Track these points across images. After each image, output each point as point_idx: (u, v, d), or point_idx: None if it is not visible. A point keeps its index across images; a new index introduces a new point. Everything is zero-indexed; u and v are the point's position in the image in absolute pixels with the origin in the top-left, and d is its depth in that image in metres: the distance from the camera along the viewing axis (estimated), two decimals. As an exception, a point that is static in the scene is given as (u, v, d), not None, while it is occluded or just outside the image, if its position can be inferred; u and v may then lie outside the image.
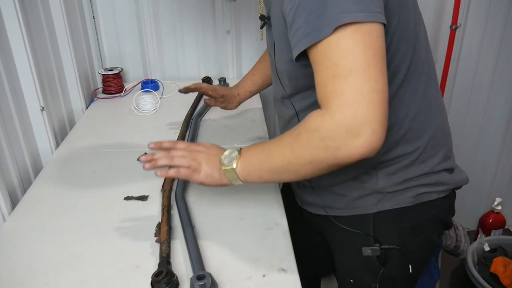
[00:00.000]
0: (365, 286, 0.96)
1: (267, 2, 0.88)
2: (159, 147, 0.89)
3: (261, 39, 0.98)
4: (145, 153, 1.25)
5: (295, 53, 0.73)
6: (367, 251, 0.92)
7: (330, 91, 0.69)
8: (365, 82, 0.67)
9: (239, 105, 1.38)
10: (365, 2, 0.67)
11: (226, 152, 0.85)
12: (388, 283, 0.94)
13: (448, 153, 0.94)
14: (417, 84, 0.84)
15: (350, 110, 0.67)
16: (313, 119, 0.72)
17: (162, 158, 0.86)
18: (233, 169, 0.83)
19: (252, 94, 1.37)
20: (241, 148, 0.85)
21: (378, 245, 0.91)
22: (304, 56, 0.73)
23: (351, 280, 0.99)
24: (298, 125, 0.76)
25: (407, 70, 0.82)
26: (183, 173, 0.85)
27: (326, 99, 0.70)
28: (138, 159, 1.22)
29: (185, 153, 0.87)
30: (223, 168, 0.84)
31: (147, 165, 0.86)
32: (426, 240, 0.95)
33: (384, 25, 0.70)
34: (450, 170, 0.94)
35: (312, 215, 1.02)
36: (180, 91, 1.34)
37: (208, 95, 1.35)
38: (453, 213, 0.99)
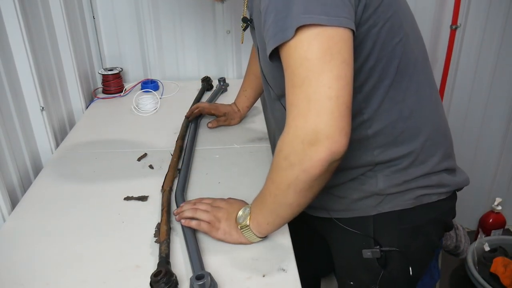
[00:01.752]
0: None
1: (249, 4, 0.89)
2: (187, 203, 0.95)
3: (242, 42, 1.00)
4: (145, 153, 1.25)
5: (267, 54, 0.73)
6: (367, 253, 0.91)
7: (290, 102, 0.70)
8: (317, 89, 0.66)
9: (241, 120, 1.45)
10: (330, 6, 0.66)
11: (240, 212, 0.88)
12: (388, 285, 0.94)
13: (448, 152, 0.93)
14: (409, 84, 0.83)
15: (301, 119, 0.68)
16: (278, 142, 0.74)
17: (187, 211, 0.92)
18: (248, 226, 0.85)
19: (249, 108, 1.46)
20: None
21: (378, 247, 0.91)
22: (278, 57, 0.73)
23: (351, 282, 0.99)
24: None
25: (396, 70, 0.81)
26: (203, 226, 0.89)
27: (287, 111, 0.71)
28: (138, 159, 1.23)
29: (208, 208, 0.91)
30: (239, 227, 0.87)
31: (176, 217, 0.93)
32: (426, 242, 0.95)
33: (353, 31, 0.69)
34: (451, 171, 0.94)
35: (312, 217, 1.02)
36: (187, 117, 1.42)
37: (212, 114, 1.42)
38: (453, 215, 0.99)
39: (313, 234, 1.12)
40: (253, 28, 0.89)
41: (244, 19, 0.90)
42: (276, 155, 0.75)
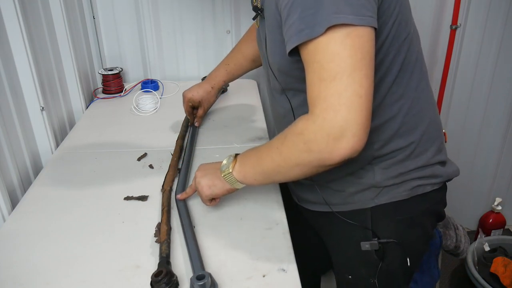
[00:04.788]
0: (364, 281, 0.96)
1: None
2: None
3: (258, 26, 0.98)
4: (145, 153, 1.25)
5: (287, 49, 0.73)
6: (365, 245, 0.92)
7: (316, 94, 0.71)
8: (348, 86, 0.68)
9: (217, 97, 1.38)
10: (357, 6, 0.68)
11: (224, 160, 0.90)
12: (386, 278, 0.94)
13: (441, 146, 0.95)
14: (409, 80, 0.86)
15: (331, 114, 0.69)
16: (299, 123, 0.75)
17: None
18: (230, 173, 0.87)
19: (225, 84, 1.37)
20: (237, 154, 0.89)
21: (376, 239, 0.91)
22: (296, 51, 0.74)
23: (350, 276, 0.99)
24: (287, 128, 0.78)
25: (401, 66, 0.83)
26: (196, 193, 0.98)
27: (312, 102, 0.72)
28: (138, 159, 1.23)
29: (195, 179, 0.97)
30: (222, 174, 0.89)
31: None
32: (421, 232, 0.96)
33: (375, 29, 0.71)
34: (443, 163, 0.96)
35: (309, 212, 1.03)
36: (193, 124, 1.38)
37: (194, 107, 1.35)
38: (445, 205, 1.01)
39: (310, 231, 1.12)
40: (263, 18, 0.89)
41: (255, 8, 0.90)
42: (293, 134, 0.75)
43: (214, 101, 1.39)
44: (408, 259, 0.94)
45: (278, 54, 0.82)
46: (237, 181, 0.87)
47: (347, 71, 0.67)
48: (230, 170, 0.87)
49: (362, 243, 0.92)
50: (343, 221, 0.93)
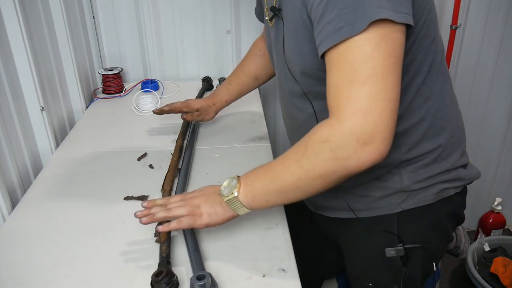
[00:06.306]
0: None
1: None
2: (153, 204, 0.86)
3: (271, 25, 0.93)
4: (145, 153, 1.25)
5: (323, 48, 0.70)
6: (390, 252, 0.89)
7: (344, 97, 0.68)
8: (381, 90, 0.66)
9: (216, 114, 1.36)
10: (396, 2, 0.66)
11: (225, 183, 0.82)
12: (409, 283, 0.92)
13: (464, 149, 0.95)
14: (436, 81, 0.84)
15: (362, 117, 0.67)
16: (322, 130, 0.71)
17: (159, 212, 0.84)
18: (236, 197, 0.80)
19: (227, 104, 1.35)
20: (239, 176, 0.82)
21: (401, 245, 0.89)
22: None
23: (370, 284, 0.95)
24: (303, 139, 0.75)
25: (430, 67, 0.82)
26: (185, 222, 0.82)
27: (338, 105, 0.69)
28: (138, 159, 1.23)
29: (181, 203, 0.85)
30: (224, 199, 0.81)
31: (144, 219, 0.83)
32: (443, 236, 0.96)
33: (410, 26, 0.70)
34: (465, 166, 0.95)
35: (326, 219, 1.00)
36: (154, 112, 1.33)
37: (183, 111, 1.33)
38: (465, 208, 0.99)
39: (321, 237, 1.10)
40: (280, 18, 0.86)
41: (273, 8, 0.86)
42: (315, 143, 0.72)
43: (210, 118, 1.35)
44: (434, 263, 0.92)
45: (301, 55, 0.79)
46: (243, 205, 0.80)
47: (380, 74, 0.66)
48: (236, 194, 0.79)
49: (387, 250, 0.89)
50: (366, 227, 0.90)
